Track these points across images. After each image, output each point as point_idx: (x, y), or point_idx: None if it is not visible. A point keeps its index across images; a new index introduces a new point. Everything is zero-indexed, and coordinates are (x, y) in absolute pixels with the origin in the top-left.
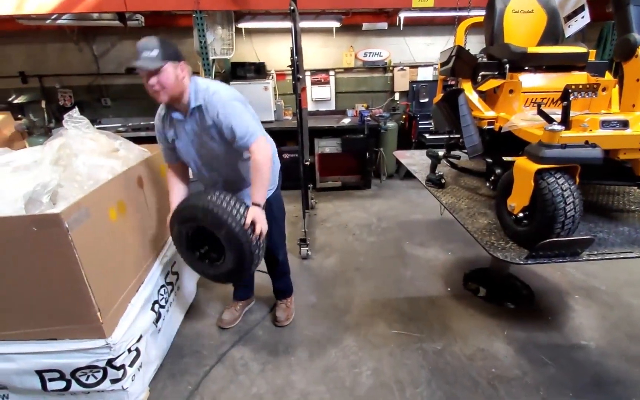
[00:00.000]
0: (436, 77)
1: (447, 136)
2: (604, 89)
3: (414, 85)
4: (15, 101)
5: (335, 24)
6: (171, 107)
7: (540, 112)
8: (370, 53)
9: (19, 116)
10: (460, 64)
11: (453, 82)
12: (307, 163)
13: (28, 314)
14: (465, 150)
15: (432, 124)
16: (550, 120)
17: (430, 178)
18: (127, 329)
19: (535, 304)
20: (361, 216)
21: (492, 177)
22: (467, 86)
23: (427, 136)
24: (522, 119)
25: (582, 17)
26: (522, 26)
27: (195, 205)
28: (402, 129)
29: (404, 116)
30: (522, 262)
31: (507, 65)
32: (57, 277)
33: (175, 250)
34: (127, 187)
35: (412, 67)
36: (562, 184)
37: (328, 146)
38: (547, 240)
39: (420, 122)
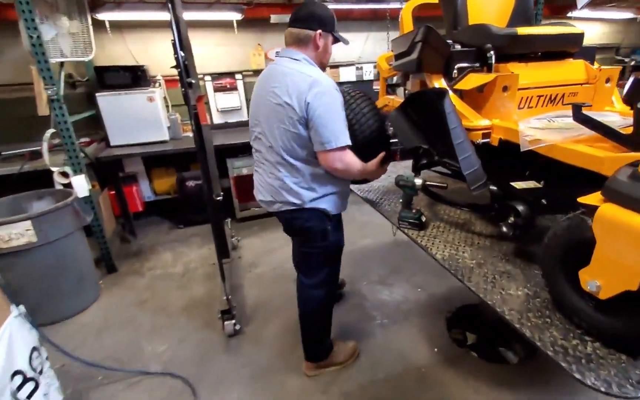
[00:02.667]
0: (361, 77)
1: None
2: (607, 80)
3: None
4: None
5: (235, 16)
6: None
7: (581, 117)
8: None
9: None
10: (431, 54)
11: (401, 81)
12: (220, 198)
13: None
14: (460, 177)
15: (398, 139)
16: (610, 132)
17: (406, 217)
18: None
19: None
20: None
21: (512, 219)
22: (439, 84)
23: None
24: (533, 128)
25: None
26: (488, 4)
27: None
28: None
29: None
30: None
31: (493, 53)
32: None
33: None
34: None
35: (332, 67)
36: None
37: (247, 166)
38: None
39: None
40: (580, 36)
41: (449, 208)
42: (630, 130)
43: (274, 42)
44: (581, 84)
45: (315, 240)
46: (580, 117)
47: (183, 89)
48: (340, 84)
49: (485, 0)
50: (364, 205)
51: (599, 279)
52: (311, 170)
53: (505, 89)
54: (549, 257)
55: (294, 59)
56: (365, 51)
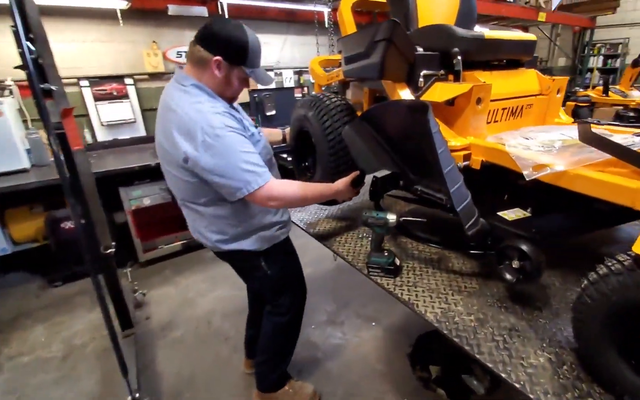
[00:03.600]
0: (281, 83)
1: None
2: (558, 91)
3: (255, 95)
4: None
5: (119, 4)
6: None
7: (591, 137)
8: (186, 52)
9: None
10: (396, 56)
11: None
12: (111, 251)
13: None
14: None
15: (356, 162)
16: (631, 156)
17: (377, 263)
18: None
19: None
20: (229, 294)
21: (516, 262)
22: (404, 94)
23: (287, 157)
24: (524, 149)
25: None
26: (436, 4)
27: None
28: None
29: None
30: None
31: (460, 59)
32: None
33: None
34: None
35: None
36: None
37: (148, 195)
38: None
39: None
40: (535, 44)
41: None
42: None
43: (175, 39)
44: (536, 95)
45: (253, 277)
46: (590, 137)
47: (36, 101)
48: (255, 92)
49: (432, 1)
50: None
51: None
52: (216, 213)
53: (479, 101)
54: (590, 317)
55: (182, 86)
56: (283, 55)
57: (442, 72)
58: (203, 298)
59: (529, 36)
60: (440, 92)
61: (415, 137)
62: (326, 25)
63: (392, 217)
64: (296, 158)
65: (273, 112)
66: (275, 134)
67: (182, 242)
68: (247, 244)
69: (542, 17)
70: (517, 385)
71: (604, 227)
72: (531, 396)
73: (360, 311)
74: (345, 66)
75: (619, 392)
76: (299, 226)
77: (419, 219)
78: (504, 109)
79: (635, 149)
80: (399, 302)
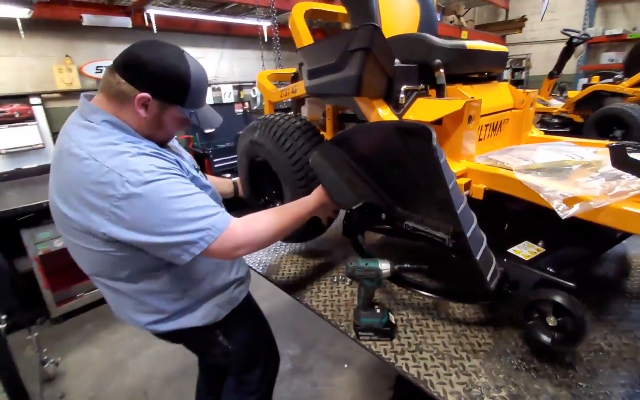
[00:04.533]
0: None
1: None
2: (531, 104)
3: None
4: None
5: (20, 13)
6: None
7: (628, 163)
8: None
9: None
10: (375, 68)
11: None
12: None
13: None
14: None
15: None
16: None
17: (368, 323)
18: None
19: None
20: (170, 348)
21: (552, 319)
22: (384, 113)
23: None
24: (523, 171)
25: None
26: (398, 14)
27: None
28: None
29: None
30: None
31: (443, 72)
32: None
33: None
34: None
35: None
36: None
37: (60, 236)
38: None
39: (215, 161)
40: (507, 55)
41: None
42: None
43: (94, 52)
44: (511, 110)
45: (210, 355)
46: (626, 162)
47: None
48: None
49: (396, 9)
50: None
51: None
52: (146, 288)
53: (470, 119)
54: None
55: (88, 122)
56: (221, 70)
57: (422, 86)
58: (136, 359)
59: (503, 47)
60: (427, 110)
61: (409, 166)
62: (265, 39)
63: (385, 267)
64: (252, 194)
65: (212, 129)
66: (223, 183)
67: None
68: (195, 319)
69: (464, 35)
70: None
71: (608, 249)
72: None
73: (329, 351)
74: (309, 81)
75: None
76: (258, 272)
77: (419, 266)
78: (486, 125)
79: None
80: None
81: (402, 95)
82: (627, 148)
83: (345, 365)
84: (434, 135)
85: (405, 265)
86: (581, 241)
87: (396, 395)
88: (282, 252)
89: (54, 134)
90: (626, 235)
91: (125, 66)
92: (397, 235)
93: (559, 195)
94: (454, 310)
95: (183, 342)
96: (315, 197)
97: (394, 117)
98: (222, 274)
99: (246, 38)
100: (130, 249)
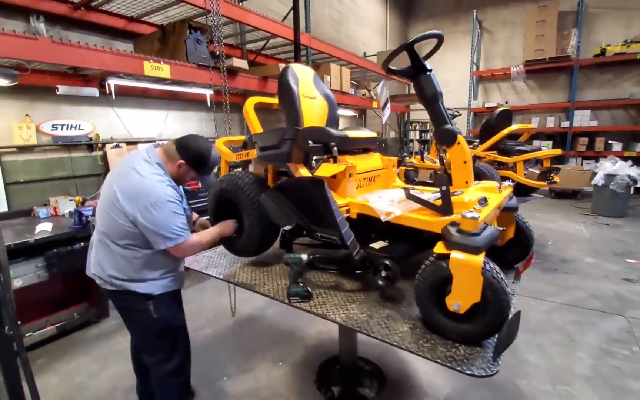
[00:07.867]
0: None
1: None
2: (393, 166)
3: None
4: None
5: (2, 82)
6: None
7: (411, 197)
8: (63, 125)
9: None
10: (298, 148)
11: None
12: None
13: None
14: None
15: (273, 219)
16: (430, 205)
17: (296, 293)
18: None
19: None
20: (128, 368)
21: (384, 272)
22: (304, 172)
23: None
24: (379, 203)
25: (388, 108)
26: (313, 111)
27: None
28: None
29: None
30: (496, 370)
31: (336, 149)
32: None
33: None
34: None
35: (130, 143)
36: (497, 270)
37: (21, 276)
38: (504, 332)
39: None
40: (376, 138)
41: (318, 274)
42: (439, 202)
43: (51, 112)
44: (381, 169)
45: (137, 322)
46: (411, 196)
47: None
48: None
49: (311, 109)
50: (188, 289)
51: (459, 300)
52: (128, 254)
53: (350, 175)
54: (422, 293)
55: (148, 157)
56: (166, 128)
57: (325, 156)
58: (97, 379)
59: (373, 134)
60: (327, 170)
61: (315, 200)
62: (208, 105)
63: (304, 256)
64: (218, 220)
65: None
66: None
67: (56, 325)
68: (139, 287)
69: (375, 105)
70: (394, 344)
71: (430, 248)
72: (402, 346)
73: (267, 355)
74: (260, 152)
75: (441, 331)
76: (219, 278)
77: (322, 255)
78: (364, 178)
79: (431, 200)
80: (301, 340)
81: (313, 162)
82: (410, 190)
83: (280, 363)
84: (326, 184)
85: (316, 255)
86: (404, 239)
87: (318, 377)
88: (235, 265)
89: (7, 185)
90: (434, 239)
91: (179, 143)
92: (312, 240)
93: (384, 211)
94: (345, 285)
95: (123, 302)
96: (220, 227)
97: (309, 174)
98: (173, 264)
99: (189, 101)
100: (137, 230)
